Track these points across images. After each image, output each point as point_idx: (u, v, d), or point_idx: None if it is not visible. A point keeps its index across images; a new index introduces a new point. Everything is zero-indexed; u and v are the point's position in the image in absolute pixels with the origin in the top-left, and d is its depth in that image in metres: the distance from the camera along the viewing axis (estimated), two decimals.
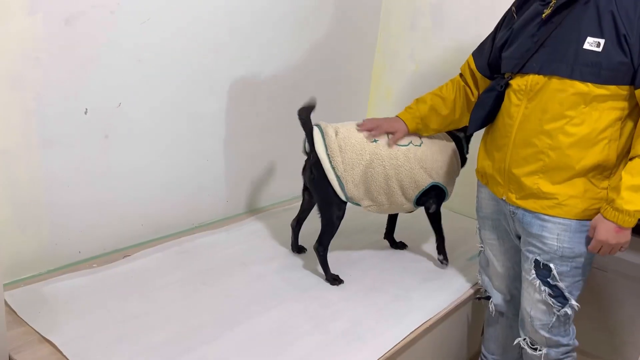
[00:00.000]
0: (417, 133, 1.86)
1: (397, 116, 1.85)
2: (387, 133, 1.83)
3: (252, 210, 2.44)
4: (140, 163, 1.94)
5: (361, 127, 1.84)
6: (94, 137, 1.77)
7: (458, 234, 2.31)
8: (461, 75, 1.80)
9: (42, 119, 1.62)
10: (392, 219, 2.19)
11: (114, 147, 1.84)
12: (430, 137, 1.91)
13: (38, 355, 1.39)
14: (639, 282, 2.99)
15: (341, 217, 1.87)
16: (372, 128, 1.83)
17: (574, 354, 1.64)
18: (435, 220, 2.03)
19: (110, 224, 1.92)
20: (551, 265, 1.51)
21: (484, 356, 1.95)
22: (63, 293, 1.65)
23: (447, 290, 1.93)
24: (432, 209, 1.98)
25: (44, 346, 1.42)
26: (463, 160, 1.99)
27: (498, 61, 1.63)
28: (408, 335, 1.65)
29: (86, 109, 1.72)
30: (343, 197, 1.82)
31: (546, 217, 1.50)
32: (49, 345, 1.42)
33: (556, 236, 1.50)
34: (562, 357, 1.62)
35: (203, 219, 2.26)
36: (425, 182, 1.86)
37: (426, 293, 1.88)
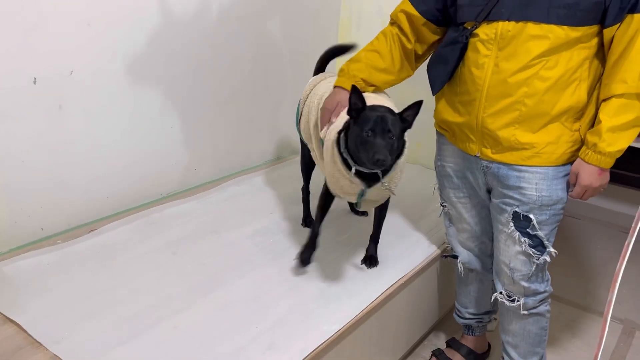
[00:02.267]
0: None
1: (334, 86, 1.65)
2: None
3: (221, 177, 2.38)
4: (100, 133, 1.86)
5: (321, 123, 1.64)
6: (46, 108, 1.68)
7: (430, 190, 2.29)
8: (393, 23, 1.67)
9: None
10: None
11: (69, 118, 1.75)
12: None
13: (2, 336, 1.34)
14: (610, 227, 3.08)
15: (306, 162, 1.99)
16: (325, 121, 1.62)
17: (549, 300, 1.66)
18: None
19: (73, 198, 1.85)
20: (531, 215, 1.50)
21: (458, 310, 1.95)
22: (26, 272, 1.59)
23: (421, 246, 1.92)
24: None
25: (8, 326, 1.37)
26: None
27: (451, 8, 1.53)
28: (384, 292, 1.64)
29: (35, 79, 1.62)
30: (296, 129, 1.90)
31: (523, 168, 1.48)
32: (13, 325, 1.37)
33: (534, 186, 1.48)
34: (538, 304, 1.62)
35: (171, 188, 2.19)
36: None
37: (400, 250, 1.87)
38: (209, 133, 2.28)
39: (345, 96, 1.56)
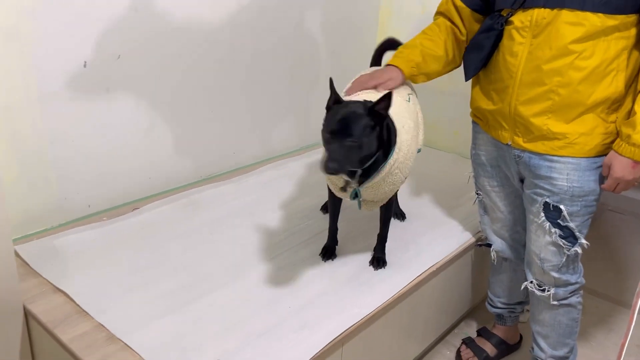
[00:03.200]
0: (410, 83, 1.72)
1: (387, 64, 1.66)
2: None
3: (259, 162, 2.44)
4: (144, 116, 1.93)
5: (348, 92, 1.62)
6: (95, 91, 1.76)
7: (465, 178, 2.28)
8: (443, 14, 1.68)
9: (41, 73, 1.61)
10: None
11: (116, 100, 1.83)
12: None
13: (52, 305, 1.43)
14: None
15: None
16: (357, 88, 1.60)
17: (581, 291, 1.64)
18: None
19: (118, 178, 1.93)
20: (561, 206, 1.49)
21: (491, 299, 1.96)
22: (74, 246, 1.68)
23: (455, 234, 1.93)
24: None
25: (57, 296, 1.46)
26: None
27: None
28: (415, 278, 1.66)
29: (85, 62, 1.70)
30: None
31: (555, 158, 1.46)
32: (62, 295, 1.46)
33: (566, 176, 1.47)
34: (569, 295, 1.62)
35: (211, 171, 2.26)
36: None
37: (434, 237, 1.88)
38: (248, 119, 2.33)
39: (398, 76, 1.60)
